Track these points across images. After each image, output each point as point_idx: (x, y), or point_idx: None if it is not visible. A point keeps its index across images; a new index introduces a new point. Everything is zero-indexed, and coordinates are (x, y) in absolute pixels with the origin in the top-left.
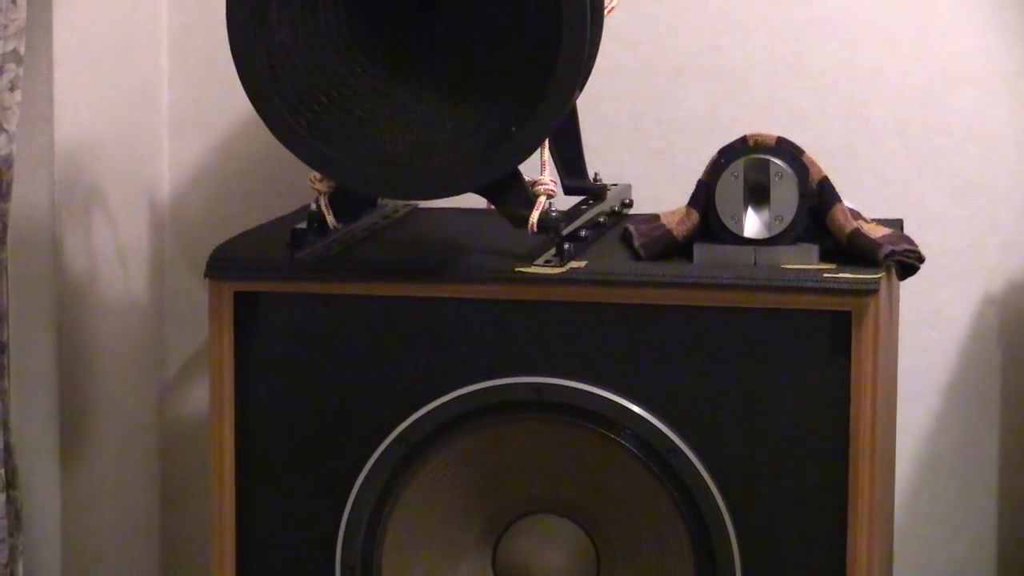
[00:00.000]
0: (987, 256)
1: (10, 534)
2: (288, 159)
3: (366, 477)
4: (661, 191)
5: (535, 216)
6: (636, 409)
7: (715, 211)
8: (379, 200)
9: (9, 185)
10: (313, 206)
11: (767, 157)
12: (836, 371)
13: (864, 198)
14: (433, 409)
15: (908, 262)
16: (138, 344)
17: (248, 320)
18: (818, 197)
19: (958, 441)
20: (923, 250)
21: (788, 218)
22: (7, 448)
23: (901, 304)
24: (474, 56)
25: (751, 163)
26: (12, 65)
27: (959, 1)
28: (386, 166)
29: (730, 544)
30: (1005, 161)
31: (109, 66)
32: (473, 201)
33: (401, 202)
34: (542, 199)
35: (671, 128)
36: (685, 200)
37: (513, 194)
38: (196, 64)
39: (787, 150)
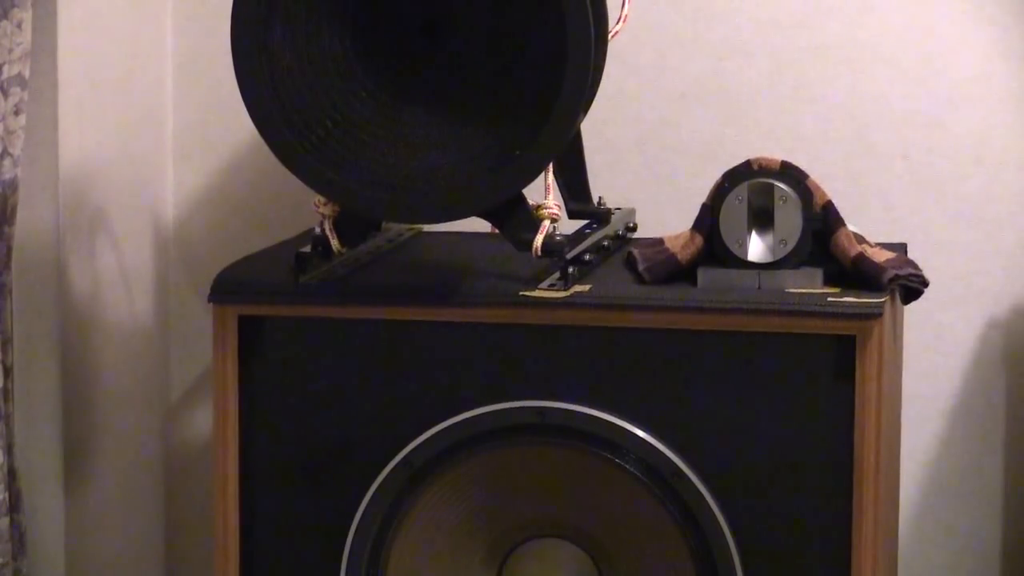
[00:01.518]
0: (991, 280)
1: (13, 558)
2: (292, 183)
3: (370, 501)
4: (665, 215)
5: (539, 240)
6: (640, 433)
7: (719, 235)
8: (383, 224)
9: (14, 209)
10: (317, 230)
11: (771, 181)
12: (840, 395)
13: (868, 222)
14: (437, 433)
15: (912, 286)
16: (142, 368)
17: (252, 344)
18: (822, 221)
19: (962, 465)
20: (927, 274)
21: (792, 242)
22: (11, 472)
23: (905, 328)
24: (478, 80)
25: (755, 187)
26: (17, 89)
27: (962, 26)
28: (390, 190)
29: (734, 568)
30: (1009, 185)
31: (114, 90)
32: (477, 225)
33: (405, 226)
34: (546, 223)
35: (675, 152)
36: (689, 224)
37: (517, 218)
38: (201, 88)
39: (791, 174)
